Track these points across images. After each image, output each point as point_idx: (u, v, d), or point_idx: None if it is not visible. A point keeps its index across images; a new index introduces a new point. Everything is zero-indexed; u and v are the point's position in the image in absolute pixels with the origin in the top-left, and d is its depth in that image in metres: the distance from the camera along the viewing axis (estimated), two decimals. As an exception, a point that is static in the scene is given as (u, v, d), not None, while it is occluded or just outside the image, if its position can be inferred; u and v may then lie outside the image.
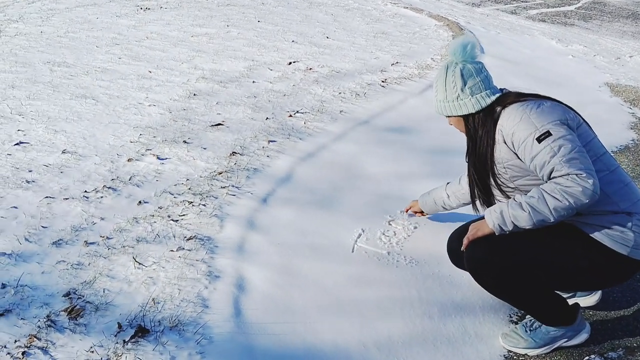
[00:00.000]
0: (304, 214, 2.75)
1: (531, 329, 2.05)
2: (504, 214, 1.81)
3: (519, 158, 1.87)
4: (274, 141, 3.55)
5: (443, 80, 1.96)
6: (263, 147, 3.44)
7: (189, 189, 2.91)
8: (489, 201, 2.03)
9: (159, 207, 2.72)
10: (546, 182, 1.78)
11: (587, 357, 2.02)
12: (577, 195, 1.70)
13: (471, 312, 2.22)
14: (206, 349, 1.85)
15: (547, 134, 1.76)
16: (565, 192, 1.70)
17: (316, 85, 4.75)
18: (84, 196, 2.80)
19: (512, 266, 1.86)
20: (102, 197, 2.80)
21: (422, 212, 2.67)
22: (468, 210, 2.30)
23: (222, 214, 2.68)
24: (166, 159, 3.25)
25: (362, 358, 1.93)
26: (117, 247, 2.38)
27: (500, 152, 1.91)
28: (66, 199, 2.77)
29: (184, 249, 2.37)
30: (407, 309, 2.18)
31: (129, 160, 3.21)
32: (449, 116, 2.02)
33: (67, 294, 2.08)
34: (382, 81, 4.93)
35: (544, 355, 2.03)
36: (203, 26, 6.96)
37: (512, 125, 1.84)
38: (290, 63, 5.39)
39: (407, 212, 2.74)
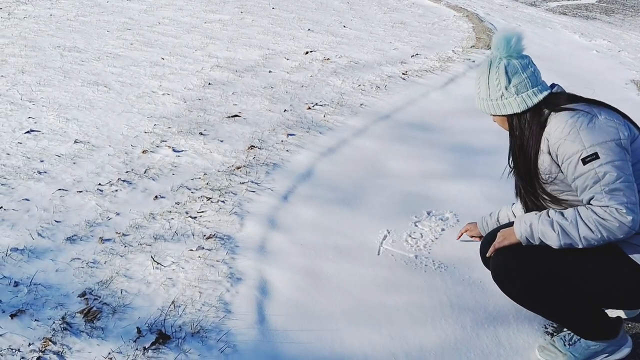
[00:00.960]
0: (326, 213, 2.64)
1: (570, 342, 1.94)
2: (533, 228, 1.73)
3: (562, 172, 1.74)
4: (293, 135, 3.43)
5: (486, 78, 1.82)
6: (282, 141, 3.32)
7: (207, 184, 2.80)
8: (536, 205, 1.90)
9: (176, 203, 2.61)
10: (584, 205, 1.67)
11: (629, 374, 1.91)
12: (612, 230, 1.62)
13: (504, 322, 2.11)
14: (230, 358, 1.75)
15: (594, 156, 1.64)
16: (600, 224, 1.62)
17: (335, 76, 4.61)
18: (98, 189, 2.70)
19: (537, 279, 1.76)
20: (116, 190, 2.70)
21: (480, 237, 2.35)
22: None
23: (241, 212, 2.57)
24: (182, 151, 3.14)
25: (394, 371, 1.83)
26: (133, 245, 2.28)
27: (544, 163, 1.79)
28: (80, 191, 2.66)
29: (203, 248, 2.27)
30: (438, 318, 2.07)
31: (143, 151, 3.10)
32: (492, 114, 1.89)
33: (83, 294, 1.98)
34: (403, 73, 4.78)
35: (582, 369, 1.92)
36: (216, 12, 6.81)
37: (559, 138, 1.70)
38: (307, 52, 5.25)
39: (459, 238, 2.45)
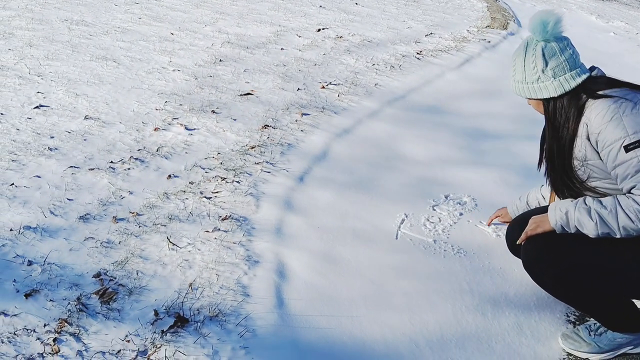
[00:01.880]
0: (343, 195, 2.58)
1: (596, 333, 1.89)
2: (569, 216, 1.67)
3: (600, 159, 1.67)
4: (307, 114, 3.35)
5: (522, 60, 1.74)
6: (296, 121, 3.25)
7: (221, 163, 2.74)
8: (564, 191, 1.84)
9: (190, 183, 2.56)
10: (624, 194, 1.61)
11: (655, 367, 1.87)
12: None
13: (526, 310, 2.07)
14: (250, 343, 1.71)
15: (638, 143, 1.57)
16: None
17: (348, 55, 4.51)
18: (110, 167, 2.64)
19: (570, 268, 1.71)
20: (129, 168, 2.64)
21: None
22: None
23: (257, 193, 2.51)
24: (194, 129, 3.07)
25: (415, 358, 1.79)
26: (148, 225, 2.23)
27: (581, 149, 1.71)
28: (91, 169, 2.61)
29: (219, 229, 2.22)
30: (458, 304, 2.03)
31: (155, 129, 3.04)
32: (528, 98, 1.81)
33: (98, 275, 1.94)
34: (417, 53, 4.66)
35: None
36: (225, -13, 6.65)
37: (600, 124, 1.63)
38: (319, 30, 5.12)
39: (489, 224, 2.41)
